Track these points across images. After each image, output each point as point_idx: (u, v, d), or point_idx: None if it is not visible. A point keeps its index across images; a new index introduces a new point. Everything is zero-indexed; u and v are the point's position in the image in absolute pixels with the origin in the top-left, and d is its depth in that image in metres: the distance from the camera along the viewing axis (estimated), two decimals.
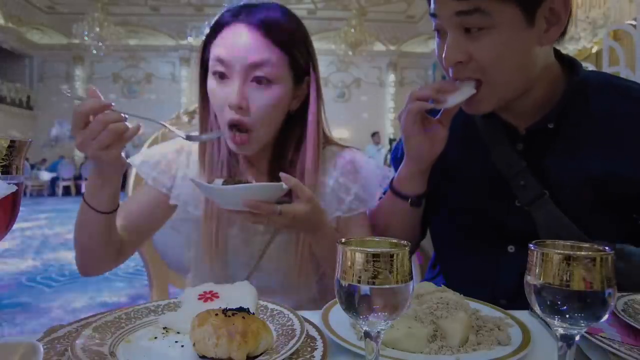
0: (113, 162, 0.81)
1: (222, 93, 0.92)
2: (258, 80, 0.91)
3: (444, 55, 0.85)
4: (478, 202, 0.95)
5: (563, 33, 0.87)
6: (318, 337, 0.63)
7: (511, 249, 0.95)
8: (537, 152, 0.92)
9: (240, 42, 0.90)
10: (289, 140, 1.02)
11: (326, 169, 1.05)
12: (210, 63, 0.94)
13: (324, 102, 1.04)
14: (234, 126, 0.92)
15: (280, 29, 0.93)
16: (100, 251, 0.94)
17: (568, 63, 0.94)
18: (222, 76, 0.92)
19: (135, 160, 1.06)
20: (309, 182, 0.98)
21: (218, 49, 0.92)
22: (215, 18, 0.96)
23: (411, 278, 0.46)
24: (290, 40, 0.94)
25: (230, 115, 0.91)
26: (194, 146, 1.06)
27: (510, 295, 0.91)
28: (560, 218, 0.88)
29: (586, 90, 0.91)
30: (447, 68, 0.86)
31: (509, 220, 0.94)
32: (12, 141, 0.52)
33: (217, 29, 0.94)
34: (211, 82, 0.95)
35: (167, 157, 1.06)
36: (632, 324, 0.61)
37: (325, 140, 1.06)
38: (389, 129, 16.21)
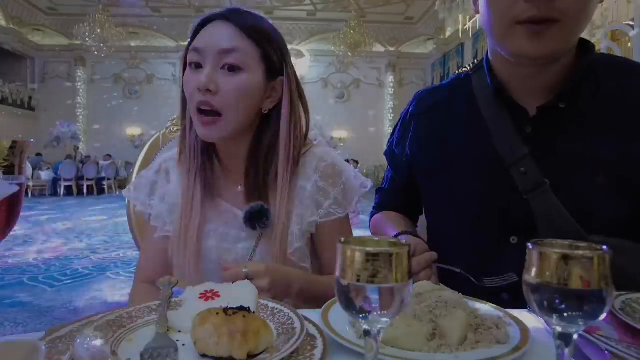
0: None
1: (194, 80, 0.94)
2: (228, 67, 0.93)
3: None
4: (479, 191, 0.94)
5: None
6: (318, 336, 0.63)
7: (514, 240, 0.94)
8: (547, 136, 0.91)
9: (214, 32, 0.95)
10: (262, 144, 1.00)
11: (306, 172, 1.03)
12: (188, 56, 0.97)
13: (306, 105, 1.04)
14: (203, 111, 0.94)
15: (253, 23, 0.96)
16: None
17: (580, 43, 0.93)
18: (197, 66, 0.95)
19: (127, 189, 1.11)
20: (282, 186, 0.98)
21: (195, 42, 0.96)
22: (196, 22, 0.98)
23: (410, 277, 0.46)
24: (264, 35, 0.97)
25: (198, 98, 0.93)
26: (172, 163, 1.08)
27: (512, 288, 0.90)
28: (558, 208, 0.86)
29: (597, 71, 0.91)
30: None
31: (511, 210, 0.93)
32: (13, 142, 0.52)
33: (198, 29, 0.97)
34: (186, 73, 0.97)
35: (150, 179, 1.09)
36: (630, 322, 0.61)
37: (301, 143, 1.04)
38: (388, 129, 16.23)
